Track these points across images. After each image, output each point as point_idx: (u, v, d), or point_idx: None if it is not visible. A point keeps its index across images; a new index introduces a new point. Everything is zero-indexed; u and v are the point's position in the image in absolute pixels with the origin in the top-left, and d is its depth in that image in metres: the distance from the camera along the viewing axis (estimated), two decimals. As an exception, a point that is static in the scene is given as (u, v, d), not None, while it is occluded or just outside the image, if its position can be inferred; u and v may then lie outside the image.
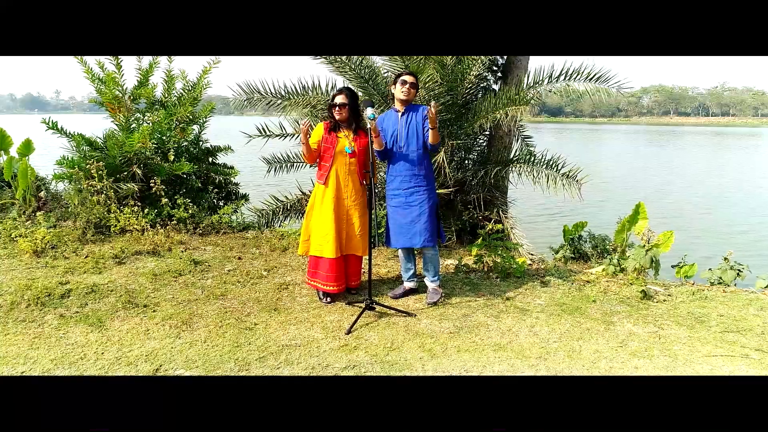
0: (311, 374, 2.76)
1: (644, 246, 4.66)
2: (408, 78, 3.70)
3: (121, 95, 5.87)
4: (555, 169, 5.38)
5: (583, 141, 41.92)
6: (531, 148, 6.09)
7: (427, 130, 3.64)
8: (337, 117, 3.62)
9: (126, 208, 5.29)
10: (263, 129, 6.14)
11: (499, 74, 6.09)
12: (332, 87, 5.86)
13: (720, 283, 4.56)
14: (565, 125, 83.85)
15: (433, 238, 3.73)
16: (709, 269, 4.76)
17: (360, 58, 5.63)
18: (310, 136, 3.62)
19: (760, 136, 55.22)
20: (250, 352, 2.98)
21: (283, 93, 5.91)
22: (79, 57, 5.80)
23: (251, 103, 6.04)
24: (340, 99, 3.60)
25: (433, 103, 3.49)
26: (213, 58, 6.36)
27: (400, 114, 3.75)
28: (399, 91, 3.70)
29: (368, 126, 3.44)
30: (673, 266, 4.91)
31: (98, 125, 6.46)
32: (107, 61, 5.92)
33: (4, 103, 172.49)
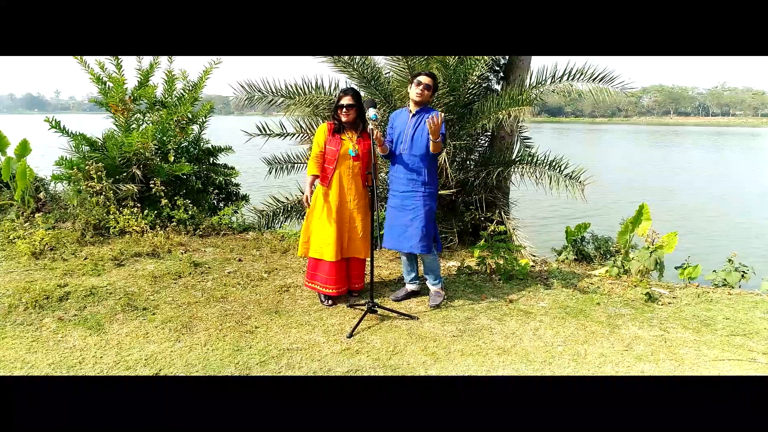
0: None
1: (648, 247, 4.62)
2: (423, 79, 3.54)
3: (124, 96, 5.83)
4: (558, 170, 5.32)
5: (583, 141, 41.89)
6: (532, 150, 6.04)
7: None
8: (343, 119, 3.54)
9: (125, 210, 5.25)
10: (263, 128, 6.10)
11: (502, 74, 6.04)
12: (335, 86, 5.80)
13: (724, 285, 4.52)
14: (565, 125, 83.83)
15: (425, 245, 3.63)
16: (714, 271, 4.71)
17: (363, 58, 5.58)
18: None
19: (761, 136, 55.19)
20: (250, 356, 2.94)
21: (284, 92, 5.86)
22: (80, 57, 5.76)
23: (252, 102, 5.98)
24: (346, 100, 3.51)
25: (437, 114, 3.33)
26: (214, 58, 6.32)
27: (411, 115, 3.64)
28: (413, 92, 3.57)
29: (370, 126, 3.39)
30: (676, 268, 4.86)
31: (98, 125, 6.42)
32: (107, 61, 5.89)
33: (4, 103, 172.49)
